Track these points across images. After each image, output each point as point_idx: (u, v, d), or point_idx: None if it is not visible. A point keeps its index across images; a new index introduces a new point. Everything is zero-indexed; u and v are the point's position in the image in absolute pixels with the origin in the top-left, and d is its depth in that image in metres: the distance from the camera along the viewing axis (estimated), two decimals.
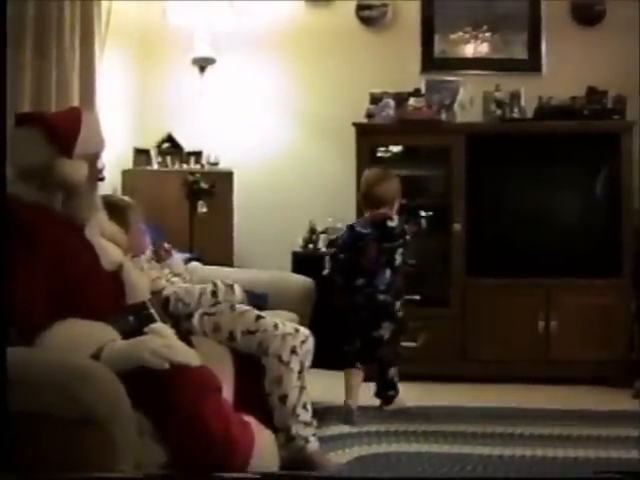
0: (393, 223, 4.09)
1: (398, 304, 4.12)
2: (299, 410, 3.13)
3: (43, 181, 2.61)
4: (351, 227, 4.21)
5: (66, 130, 2.64)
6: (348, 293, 4.11)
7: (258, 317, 3.27)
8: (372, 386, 4.19)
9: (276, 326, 3.21)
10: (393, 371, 4.14)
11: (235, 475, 2.30)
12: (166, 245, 3.82)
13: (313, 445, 3.13)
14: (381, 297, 4.05)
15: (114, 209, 3.33)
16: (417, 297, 4.78)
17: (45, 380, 2.10)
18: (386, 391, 4.15)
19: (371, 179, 4.20)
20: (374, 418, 3.94)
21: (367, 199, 4.19)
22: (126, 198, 3.85)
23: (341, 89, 5.45)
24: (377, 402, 4.16)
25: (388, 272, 4.06)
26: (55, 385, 2.09)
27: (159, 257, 3.73)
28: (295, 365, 3.15)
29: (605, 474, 3.08)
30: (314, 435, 3.16)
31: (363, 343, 4.08)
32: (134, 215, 3.53)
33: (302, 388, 3.16)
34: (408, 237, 4.14)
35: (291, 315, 3.71)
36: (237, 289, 3.39)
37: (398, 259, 4.10)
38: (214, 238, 4.99)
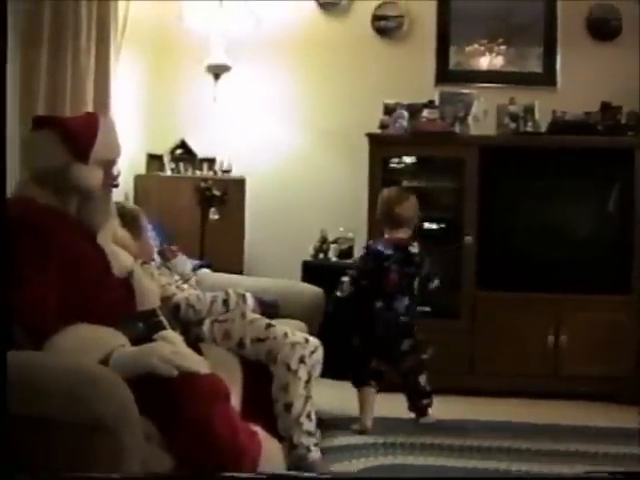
0: (415, 249, 4.13)
1: (415, 324, 4.15)
2: (303, 419, 3.13)
3: (58, 185, 2.62)
4: (372, 248, 4.16)
5: (83, 135, 2.64)
6: (367, 315, 4.11)
7: (268, 325, 3.28)
8: (395, 397, 4.18)
9: (286, 335, 3.22)
10: (423, 378, 4.11)
11: (243, 475, 2.29)
12: (172, 247, 3.84)
13: (315, 454, 3.13)
14: (402, 319, 4.07)
15: (124, 217, 3.35)
16: (427, 309, 4.74)
17: (54, 384, 2.09)
18: (420, 400, 4.11)
19: (392, 199, 4.21)
20: (383, 429, 3.93)
21: (388, 219, 4.19)
22: (135, 206, 3.87)
23: (355, 99, 5.44)
24: (386, 413, 4.16)
25: (407, 297, 4.09)
26: (63, 389, 2.08)
27: (165, 257, 3.75)
28: (302, 374, 3.16)
29: (598, 473, 3.06)
30: (316, 445, 3.17)
31: (382, 360, 4.08)
32: (143, 222, 3.55)
33: (308, 397, 3.17)
34: (427, 264, 4.17)
35: (300, 324, 3.71)
36: (249, 299, 3.40)
37: (416, 285, 4.14)
38: (225, 245, 4.99)
